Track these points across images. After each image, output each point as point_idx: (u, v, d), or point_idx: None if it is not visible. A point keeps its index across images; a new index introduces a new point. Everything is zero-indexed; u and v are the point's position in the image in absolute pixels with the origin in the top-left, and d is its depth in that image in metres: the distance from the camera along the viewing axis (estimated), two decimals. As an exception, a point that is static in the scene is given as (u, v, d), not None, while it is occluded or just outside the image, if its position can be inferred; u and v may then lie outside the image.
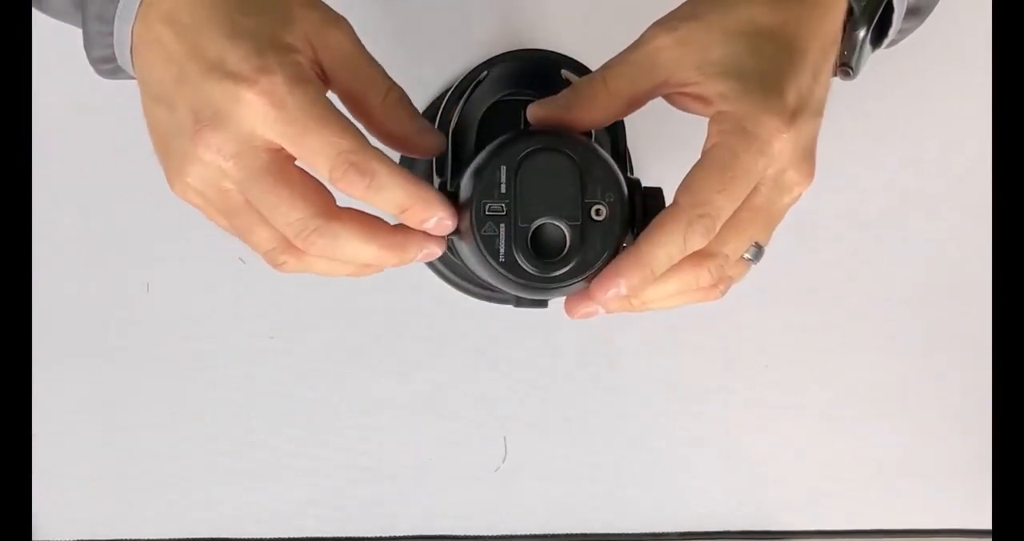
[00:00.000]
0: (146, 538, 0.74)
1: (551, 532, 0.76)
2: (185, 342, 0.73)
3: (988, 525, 0.76)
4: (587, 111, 0.49)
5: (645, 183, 0.51)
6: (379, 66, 0.49)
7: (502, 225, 0.47)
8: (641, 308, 0.49)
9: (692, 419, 0.75)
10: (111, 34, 0.48)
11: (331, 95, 0.48)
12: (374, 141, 0.48)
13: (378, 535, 0.75)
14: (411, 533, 0.75)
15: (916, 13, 0.54)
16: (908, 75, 0.73)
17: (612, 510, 0.76)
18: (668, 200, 0.49)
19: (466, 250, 0.50)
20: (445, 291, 0.73)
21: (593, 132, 0.53)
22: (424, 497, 0.75)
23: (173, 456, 0.73)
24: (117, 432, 0.73)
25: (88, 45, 0.49)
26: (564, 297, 0.50)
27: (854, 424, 0.76)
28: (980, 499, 0.75)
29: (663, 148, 0.66)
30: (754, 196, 0.47)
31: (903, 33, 0.55)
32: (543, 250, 0.47)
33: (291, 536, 0.75)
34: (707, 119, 0.48)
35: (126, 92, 0.51)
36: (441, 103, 0.59)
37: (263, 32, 0.45)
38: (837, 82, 0.52)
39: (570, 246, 0.47)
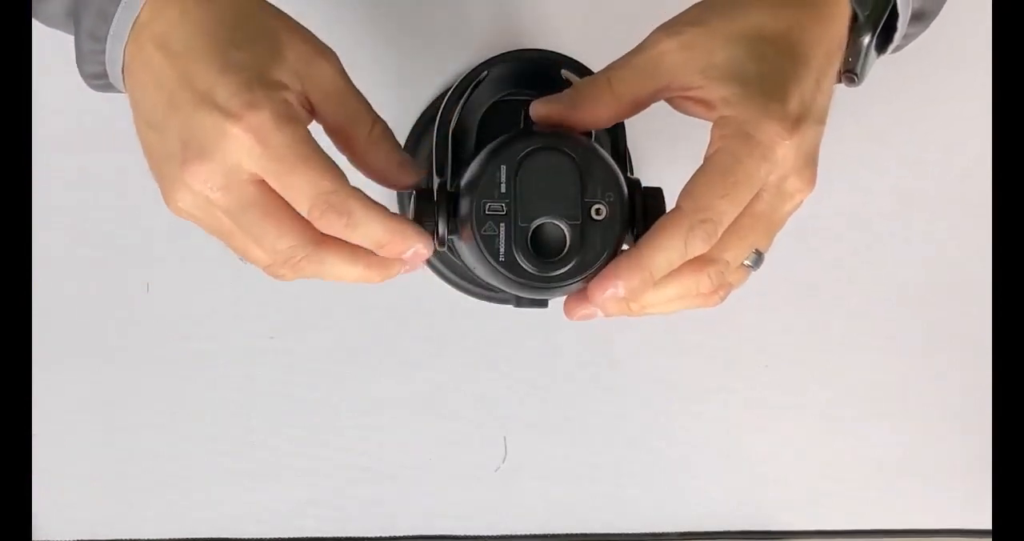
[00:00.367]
0: (146, 538, 0.74)
1: (551, 532, 0.76)
2: (185, 342, 0.73)
3: (988, 525, 0.76)
4: (590, 111, 0.49)
5: (645, 183, 0.51)
6: (364, 100, 0.50)
7: (502, 225, 0.47)
8: (640, 313, 0.49)
9: (692, 419, 0.75)
10: (103, 52, 0.48)
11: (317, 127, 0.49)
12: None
13: (378, 535, 0.75)
14: (411, 533, 0.75)
15: (921, 18, 0.54)
16: (908, 76, 0.73)
17: (612, 510, 0.76)
18: (668, 200, 0.49)
19: (466, 250, 0.50)
20: (445, 291, 0.73)
21: (593, 132, 0.53)
22: (424, 497, 0.75)
23: (173, 456, 0.73)
24: (117, 432, 0.73)
25: (80, 61, 0.50)
26: (564, 297, 0.50)
27: (854, 424, 0.76)
28: (980, 499, 0.75)
29: (663, 148, 0.66)
30: (756, 202, 0.47)
31: (908, 38, 0.55)
32: (543, 250, 0.47)
33: (291, 536, 0.75)
34: (709, 123, 0.48)
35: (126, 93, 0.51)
36: (441, 103, 0.59)
37: (253, 66, 0.46)
38: (841, 88, 0.52)
39: (570, 246, 0.47)
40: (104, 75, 0.49)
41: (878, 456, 0.76)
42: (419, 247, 0.48)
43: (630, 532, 0.76)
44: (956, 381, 0.76)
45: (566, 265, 0.47)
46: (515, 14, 0.71)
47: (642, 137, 0.64)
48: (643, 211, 0.49)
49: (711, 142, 0.47)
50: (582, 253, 0.47)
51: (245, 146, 0.45)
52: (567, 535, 0.76)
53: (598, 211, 0.47)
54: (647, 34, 0.50)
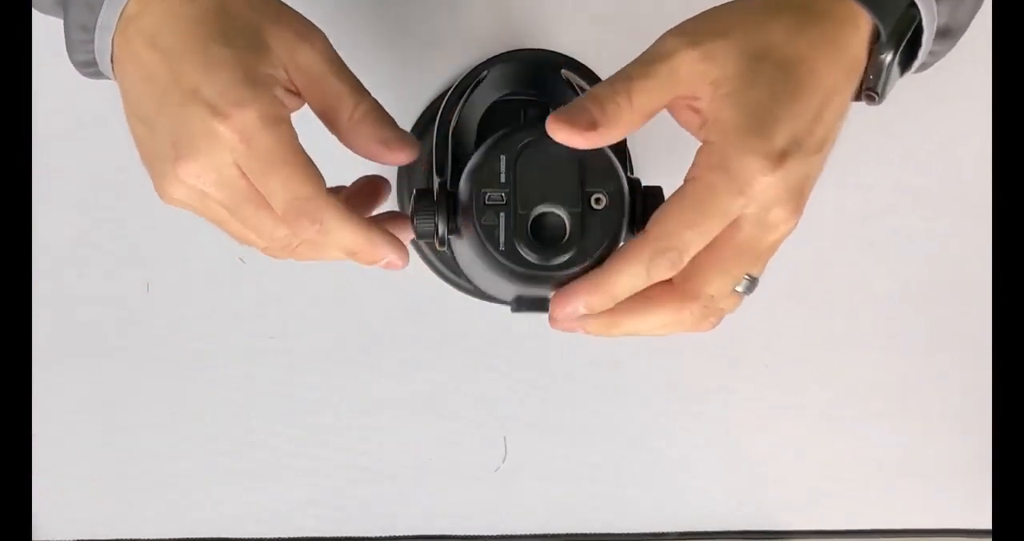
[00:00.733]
0: (146, 538, 0.74)
1: (551, 532, 0.76)
2: (185, 342, 0.73)
3: (988, 525, 0.76)
4: (613, 130, 0.47)
5: (645, 183, 0.51)
6: (348, 81, 0.50)
7: (502, 214, 0.47)
8: (623, 336, 0.49)
9: (692, 419, 0.75)
10: (92, 42, 0.48)
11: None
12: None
13: (378, 535, 0.75)
14: (411, 533, 0.75)
15: (947, 35, 0.52)
16: (909, 75, 0.73)
17: (612, 510, 0.76)
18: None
19: (466, 247, 0.50)
20: (445, 291, 0.73)
21: None
22: (424, 497, 0.75)
23: (173, 456, 0.73)
24: (117, 432, 0.73)
25: (70, 49, 0.50)
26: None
27: (854, 424, 0.76)
28: (980, 499, 0.75)
29: (663, 148, 0.66)
30: (735, 233, 0.46)
31: (934, 56, 0.53)
32: (543, 238, 0.47)
33: (291, 536, 0.75)
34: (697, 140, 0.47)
35: (126, 92, 0.51)
36: (441, 103, 0.59)
37: (239, 63, 0.46)
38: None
39: (570, 234, 0.47)
40: (94, 63, 0.50)
41: (878, 456, 0.76)
42: (391, 257, 0.49)
43: (630, 532, 0.76)
44: (956, 381, 0.76)
45: (567, 253, 0.47)
46: (515, 14, 0.71)
47: (642, 137, 0.64)
48: (643, 211, 0.49)
49: (693, 166, 0.46)
50: (583, 241, 0.47)
51: (230, 144, 0.45)
52: (567, 535, 0.76)
53: (598, 201, 0.47)
54: (646, 34, 0.49)
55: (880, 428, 0.76)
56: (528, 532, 0.76)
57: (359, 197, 0.54)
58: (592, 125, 0.46)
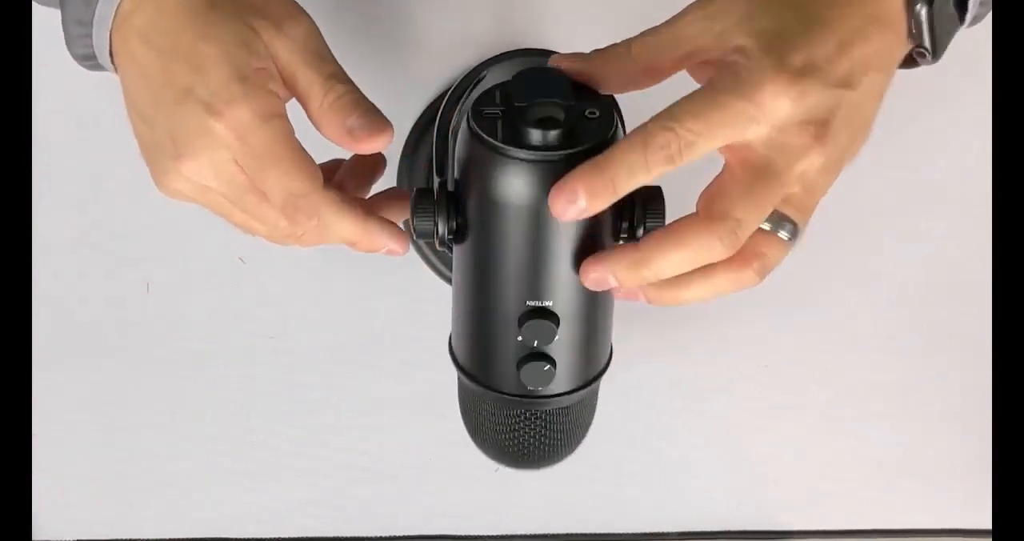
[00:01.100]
0: (146, 538, 0.74)
1: (551, 532, 0.76)
2: (185, 342, 0.73)
3: (988, 525, 0.76)
4: (604, 67, 0.48)
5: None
6: (320, 70, 0.49)
7: (499, 122, 0.47)
8: (666, 301, 0.48)
9: (692, 419, 0.75)
10: (90, 36, 0.49)
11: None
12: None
13: (378, 535, 0.75)
14: (411, 533, 0.75)
15: None
16: (908, 74, 0.73)
17: (612, 510, 0.76)
18: (668, 201, 0.48)
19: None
20: (445, 291, 0.73)
21: None
22: (424, 497, 0.75)
23: (173, 456, 0.73)
24: (117, 432, 0.73)
25: (69, 43, 0.50)
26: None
27: (854, 424, 0.76)
28: (980, 499, 0.75)
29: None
30: (748, 153, 0.45)
31: (985, 6, 0.51)
32: (541, 123, 0.47)
33: (291, 536, 0.75)
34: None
35: (126, 92, 0.51)
36: (441, 103, 0.59)
37: (229, 60, 0.46)
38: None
39: (567, 117, 0.47)
40: (93, 57, 0.50)
41: (878, 456, 0.76)
42: (391, 246, 0.50)
43: (630, 532, 0.76)
44: (956, 381, 0.76)
45: (566, 132, 0.46)
46: (515, 14, 0.71)
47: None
48: (643, 210, 0.49)
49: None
50: (580, 126, 0.47)
51: (225, 141, 0.46)
52: (567, 535, 0.76)
53: (592, 113, 0.47)
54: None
55: (880, 428, 0.76)
56: (528, 532, 0.76)
57: (356, 175, 0.54)
58: (588, 58, 0.48)
